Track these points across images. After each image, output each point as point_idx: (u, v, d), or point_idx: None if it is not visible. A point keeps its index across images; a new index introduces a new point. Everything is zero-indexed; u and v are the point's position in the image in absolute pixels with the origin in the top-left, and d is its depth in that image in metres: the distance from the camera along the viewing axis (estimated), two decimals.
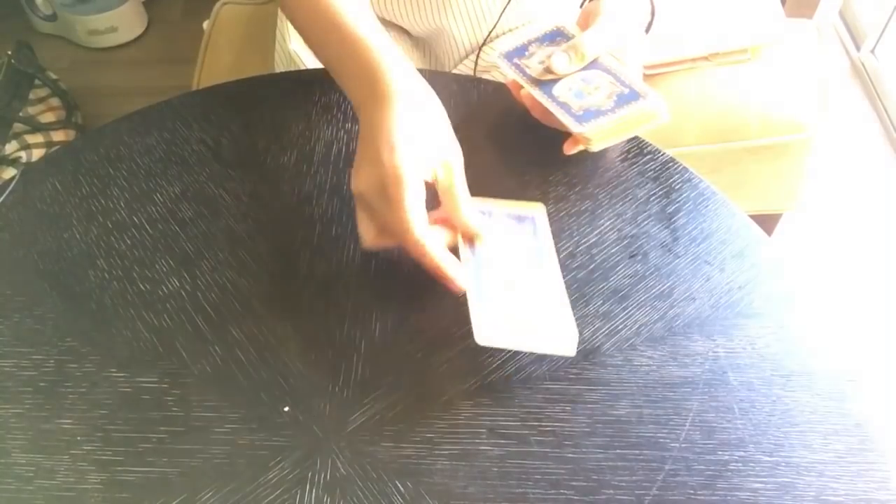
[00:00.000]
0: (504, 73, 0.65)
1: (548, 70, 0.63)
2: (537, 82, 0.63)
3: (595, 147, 0.60)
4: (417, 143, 0.55)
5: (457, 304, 0.56)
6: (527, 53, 0.66)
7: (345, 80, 0.62)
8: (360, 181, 0.55)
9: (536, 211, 0.59)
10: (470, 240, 0.56)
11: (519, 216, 0.59)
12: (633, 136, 0.62)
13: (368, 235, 0.56)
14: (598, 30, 0.62)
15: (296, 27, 0.69)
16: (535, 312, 0.53)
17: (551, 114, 0.62)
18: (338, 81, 0.63)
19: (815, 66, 1.07)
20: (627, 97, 0.60)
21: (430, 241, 0.53)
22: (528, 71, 0.64)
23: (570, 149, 0.63)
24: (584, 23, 0.66)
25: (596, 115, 0.60)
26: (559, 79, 0.62)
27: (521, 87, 0.63)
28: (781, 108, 1.03)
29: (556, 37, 0.66)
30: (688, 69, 1.05)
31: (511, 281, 0.54)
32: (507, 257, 0.56)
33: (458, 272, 0.53)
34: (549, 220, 0.61)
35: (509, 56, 0.66)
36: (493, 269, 0.55)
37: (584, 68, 0.63)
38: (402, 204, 0.52)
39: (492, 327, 0.51)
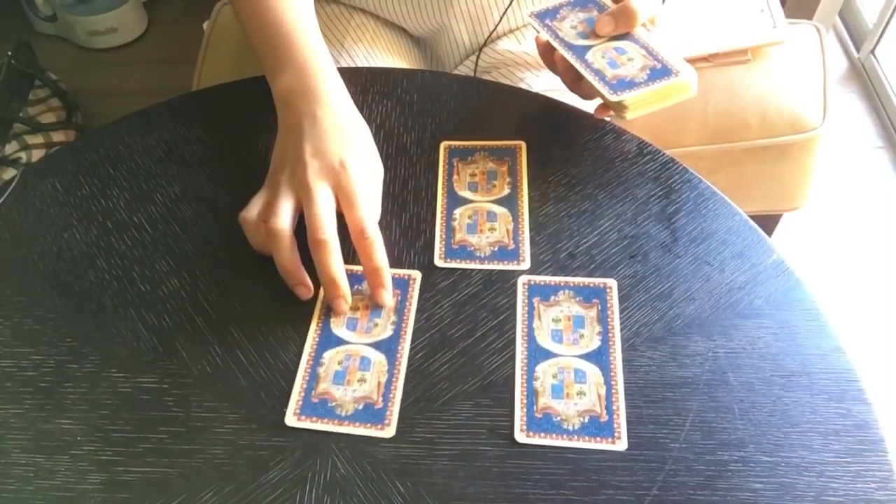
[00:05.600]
0: (537, 32, 0.65)
1: (582, 35, 0.64)
2: (570, 46, 0.63)
3: (629, 116, 0.61)
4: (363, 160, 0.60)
5: (456, 305, 0.56)
6: (558, 16, 0.66)
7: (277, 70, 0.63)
8: (317, 166, 0.57)
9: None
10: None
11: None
12: (660, 108, 0.63)
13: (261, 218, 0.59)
14: None
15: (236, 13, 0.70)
16: None
17: (581, 82, 0.63)
18: (268, 70, 0.65)
19: (816, 66, 1.07)
20: (660, 72, 0.61)
21: (335, 246, 0.55)
22: (559, 34, 0.64)
23: (601, 114, 0.64)
24: None
25: (630, 85, 0.60)
26: (592, 45, 0.63)
27: (552, 49, 0.64)
28: (781, 108, 1.03)
29: (587, 3, 0.66)
30: None
31: None
32: None
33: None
34: (550, 220, 0.61)
35: (541, 17, 0.66)
36: None
37: (617, 38, 0.63)
38: (355, 203, 0.56)
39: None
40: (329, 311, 0.56)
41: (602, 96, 0.61)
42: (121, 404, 0.52)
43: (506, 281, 0.58)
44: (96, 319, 0.57)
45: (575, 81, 0.64)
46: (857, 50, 1.71)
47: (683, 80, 0.61)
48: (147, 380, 0.54)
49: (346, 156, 0.58)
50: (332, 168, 0.57)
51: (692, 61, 1.04)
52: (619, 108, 0.61)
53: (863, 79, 1.68)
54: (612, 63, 0.62)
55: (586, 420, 0.50)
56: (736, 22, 1.06)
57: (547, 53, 0.66)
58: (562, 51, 0.63)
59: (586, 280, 0.57)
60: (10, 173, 1.44)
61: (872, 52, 1.66)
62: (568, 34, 0.64)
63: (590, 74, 0.61)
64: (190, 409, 0.52)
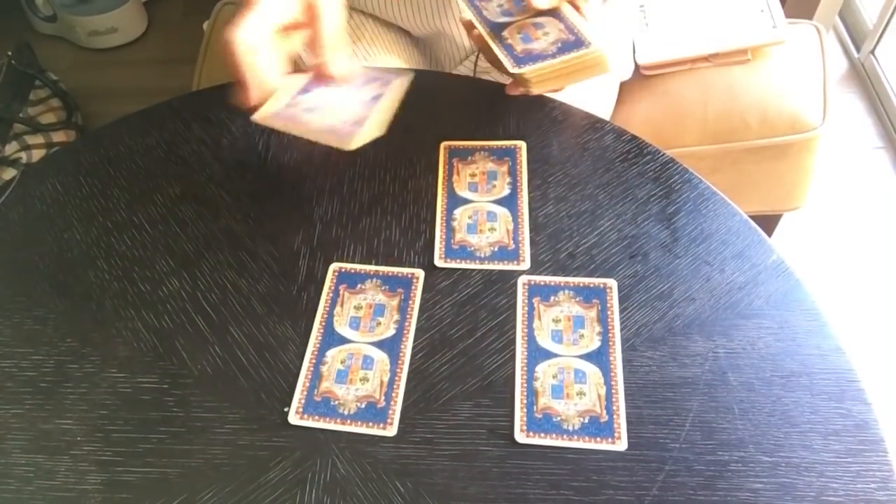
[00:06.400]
0: (462, 12, 0.65)
1: (507, 13, 0.63)
2: (490, 23, 0.63)
3: (535, 90, 0.61)
4: None
5: (456, 305, 0.56)
6: None
7: None
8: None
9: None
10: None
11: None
12: (574, 83, 0.62)
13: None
14: None
15: None
16: None
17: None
18: None
19: (816, 66, 1.07)
20: (572, 44, 0.60)
21: (242, 46, 0.53)
22: (484, 13, 0.64)
23: (511, 90, 0.64)
24: None
25: (536, 59, 0.60)
26: (512, 22, 0.63)
27: (472, 26, 0.64)
28: (781, 108, 1.03)
29: None
30: (688, 69, 1.05)
31: None
32: None
33: (255, 82, 0.55)
34: (550, 220, 0.61)
35: None
36: None
37: (540, 15, 0.63)
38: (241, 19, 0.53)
39: None
40: (333, 309, 0.56)
41: (505, 70, 0.60)
42: (121, 404, 0.52)
43: (506, 281, 0.58)
44: (96, 319, 0.57)
45: (495, 59, 0.63)
46: (857, 50, 1.71)
47: (591, 52, 0.59)
48: (147, 380, 0.54)
49: None
50: None
51: (692, 61, 1.04)
52: (523, 81, 0.60)
53: (863, 79, 1.68)
54: (525, 37, 0.61)
55: (586, 420, 0.50)
56: (736, 22, 1.06)
57: (469, 30, 0.66)
58: (479, 27, 0.63)
59: (586, 280, 0.57)
60: (10, 173, 1.44)
61: (872, 52, 1.66)
62: (492, 13, 0.64)
63: (497, 47, 0.61)
64: (190, 409, 0.52)
